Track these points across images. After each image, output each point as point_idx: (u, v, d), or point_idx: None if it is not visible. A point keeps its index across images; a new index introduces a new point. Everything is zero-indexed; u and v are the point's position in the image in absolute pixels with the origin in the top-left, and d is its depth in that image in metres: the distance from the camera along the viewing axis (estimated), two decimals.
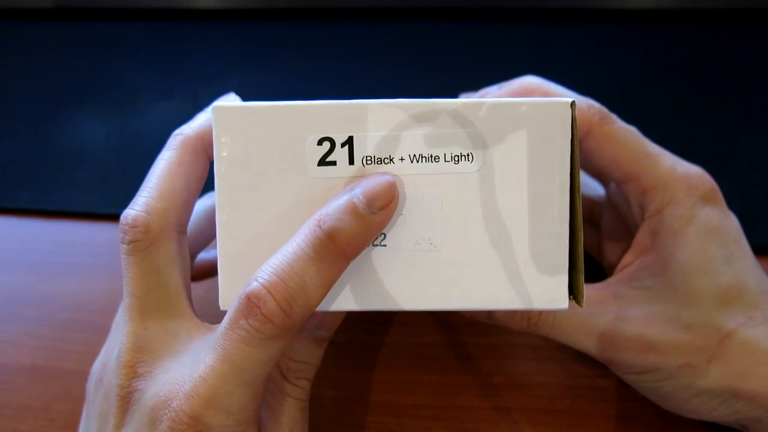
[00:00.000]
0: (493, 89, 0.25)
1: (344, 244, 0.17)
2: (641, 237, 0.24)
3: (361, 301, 0.19)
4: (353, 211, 0.17)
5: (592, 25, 0.37)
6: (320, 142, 0.18)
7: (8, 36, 0.40)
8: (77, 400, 0.28)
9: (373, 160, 0.18)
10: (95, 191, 0.34)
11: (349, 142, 0.18)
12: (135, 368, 0.19)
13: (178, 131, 0.21)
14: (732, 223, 0.23)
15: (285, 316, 0.17)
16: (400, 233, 0.19)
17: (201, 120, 0.21)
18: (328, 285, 0.18)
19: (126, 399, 0.19)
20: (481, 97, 0.26)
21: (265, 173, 0.19)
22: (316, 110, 0.18)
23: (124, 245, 0.19)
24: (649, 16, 0.37)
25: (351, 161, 0.18)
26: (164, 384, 0.18)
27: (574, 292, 0.19)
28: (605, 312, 0.22)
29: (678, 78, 0.35)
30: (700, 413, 0.23)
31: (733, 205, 0.24)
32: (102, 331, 0.29)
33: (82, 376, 0.28)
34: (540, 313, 0.22)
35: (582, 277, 0.18)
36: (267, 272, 0.17)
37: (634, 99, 0.35)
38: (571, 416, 0.26)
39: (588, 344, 0.23)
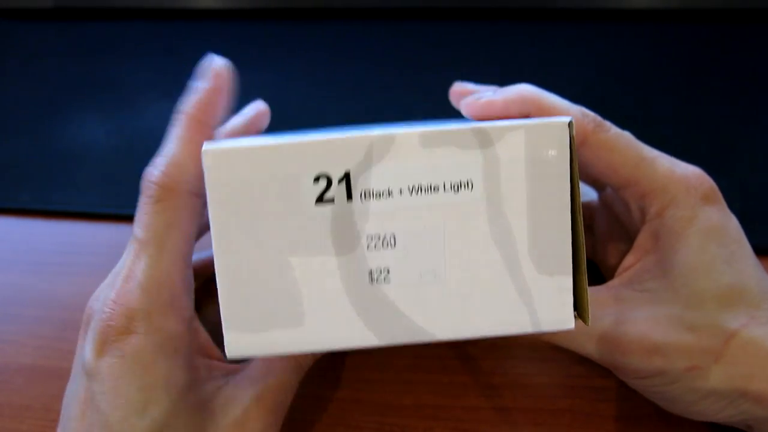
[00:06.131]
0: (489, 93, 0.25)
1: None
2: (642, 240, 0.23)
3: (375, 336, 0.19)
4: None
5: (592, 25, 0.37)
6: (316, 180, 0.18)
7: (8, 36, 0.40)
8: None
9: (372, 194, 0.18)
10: (95, 191, 0.34)
11: (346, 177, 0.18)
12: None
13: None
14: (732, 222, 0.23)
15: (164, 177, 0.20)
16: (403, 268, 0.18)
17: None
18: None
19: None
20: (477, 94, 0.25)
21: (261, 215, 0.18)
22: (310, 148, 0.18)
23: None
24: (649, 16, 0.37)
25: (349, 197, 0.18)
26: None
27: (579, 309, 0.19)
28: (606, 315, 0.22)
29: (678, 78, 0.35)
30: (707, 415, 0.23)
31: (733, 205, 0.23)
32: None
33: None
34: None
35: (587, 296, 0.18)
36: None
37: (634, 99, 0.35)
38: (571, 416, 0.26)
39: (590, 348, 0.23)
